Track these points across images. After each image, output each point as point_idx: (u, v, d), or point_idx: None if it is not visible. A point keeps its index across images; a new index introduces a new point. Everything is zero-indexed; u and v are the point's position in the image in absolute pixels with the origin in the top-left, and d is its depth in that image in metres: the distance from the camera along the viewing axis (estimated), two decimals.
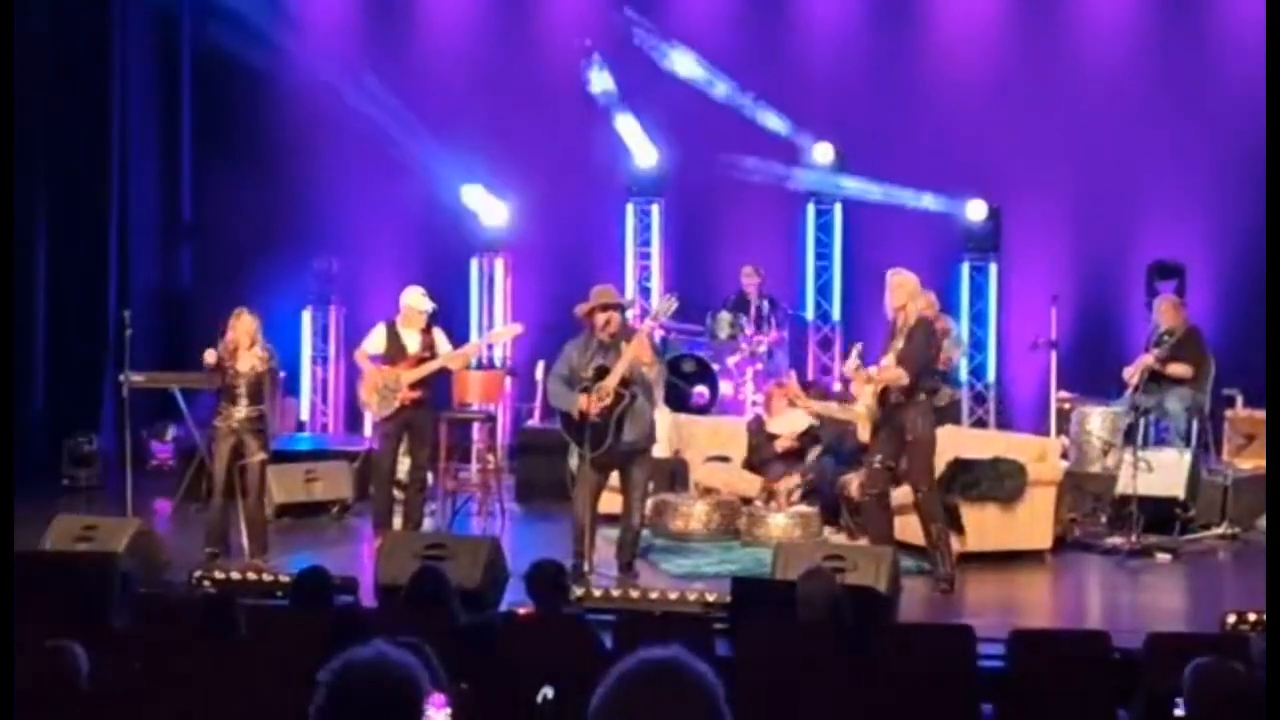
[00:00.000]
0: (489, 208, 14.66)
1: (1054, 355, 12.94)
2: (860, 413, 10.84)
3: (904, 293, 9.76)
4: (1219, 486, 11.69)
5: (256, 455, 10.19)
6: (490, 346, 13.91)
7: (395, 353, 10.85)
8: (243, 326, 10.15)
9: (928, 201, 14.23)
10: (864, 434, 10.35)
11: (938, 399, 10.26)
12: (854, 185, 14.57)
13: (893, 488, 9.84)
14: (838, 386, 12.75)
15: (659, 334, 10.37)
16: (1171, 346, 11.94)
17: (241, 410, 10.12)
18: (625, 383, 9.64)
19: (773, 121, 14.76)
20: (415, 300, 10.94)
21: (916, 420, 9.58)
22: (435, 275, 13.50)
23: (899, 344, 9.61)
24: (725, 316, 13.85)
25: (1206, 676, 4.59)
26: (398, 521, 10.96)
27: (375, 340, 10.97)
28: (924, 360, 9.62)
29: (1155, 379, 11.87)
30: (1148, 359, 11.82)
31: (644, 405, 9.79)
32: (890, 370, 9.56)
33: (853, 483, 10.70)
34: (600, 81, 14.72)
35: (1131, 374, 12.04)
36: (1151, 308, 12.58)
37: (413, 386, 10.75)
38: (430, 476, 12.17)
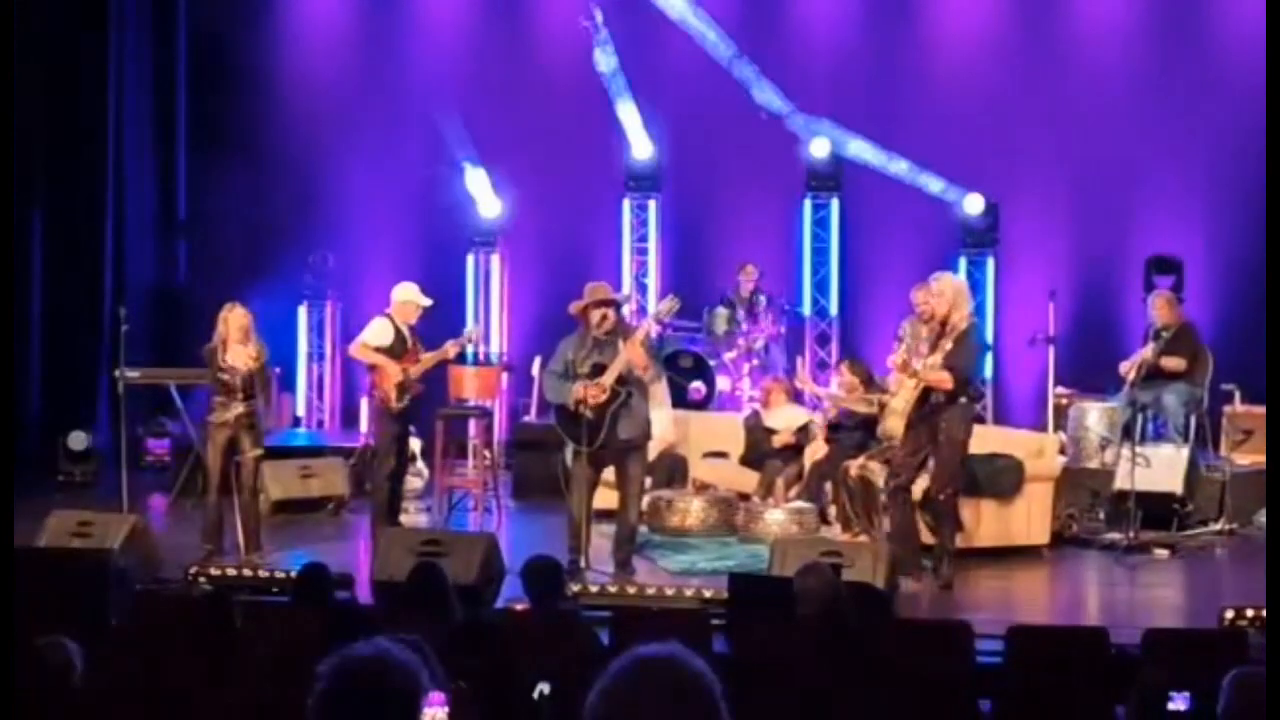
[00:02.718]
0: (487, 197, 14.67)
1: (1052, 351, 12.93)
2: (878, 401, 10.90)
3: (954, 298, 9.74)
4: (1217, 482, 11.69)
5: (251, 451, 10.17)
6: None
7: (399, 347, 10.73)
8: (234, 320, 10.11)
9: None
10: (892, 426, 10.42)
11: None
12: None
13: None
14: (834, 380, 12.72)
15: (656, 329, 10.33)
16: (1167, 342, 11.94)
17: (237, 406, 10.09)
18: (621, 381, 9.64)
19: (771, 116, 14.74)
20: (415, 295, 10.82)
21: (953, 422, 9.59)
22: (431, 270, 13.51)
23: (948, 345, 9.59)
24: (722, 312, 13.83)
25: (1245, 687, 4.52)
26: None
27: (381, 333, 10.77)
28: (972, 367, 9.66)
29: (1152, 374, 11.86)
30: (1145, 353, 11.82)
31: (639, 403, 9.79)
32: (937, 371, 9.54)
33: (852, 467, 10.71)
34: (604, 62, 14.71)
35: (1128, 369, 12.04)
36: (1147, 303, 12.58)
37: (418, 380, 10.77)
38: (426, 471, 12.25)
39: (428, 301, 10.88)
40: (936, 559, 9.77)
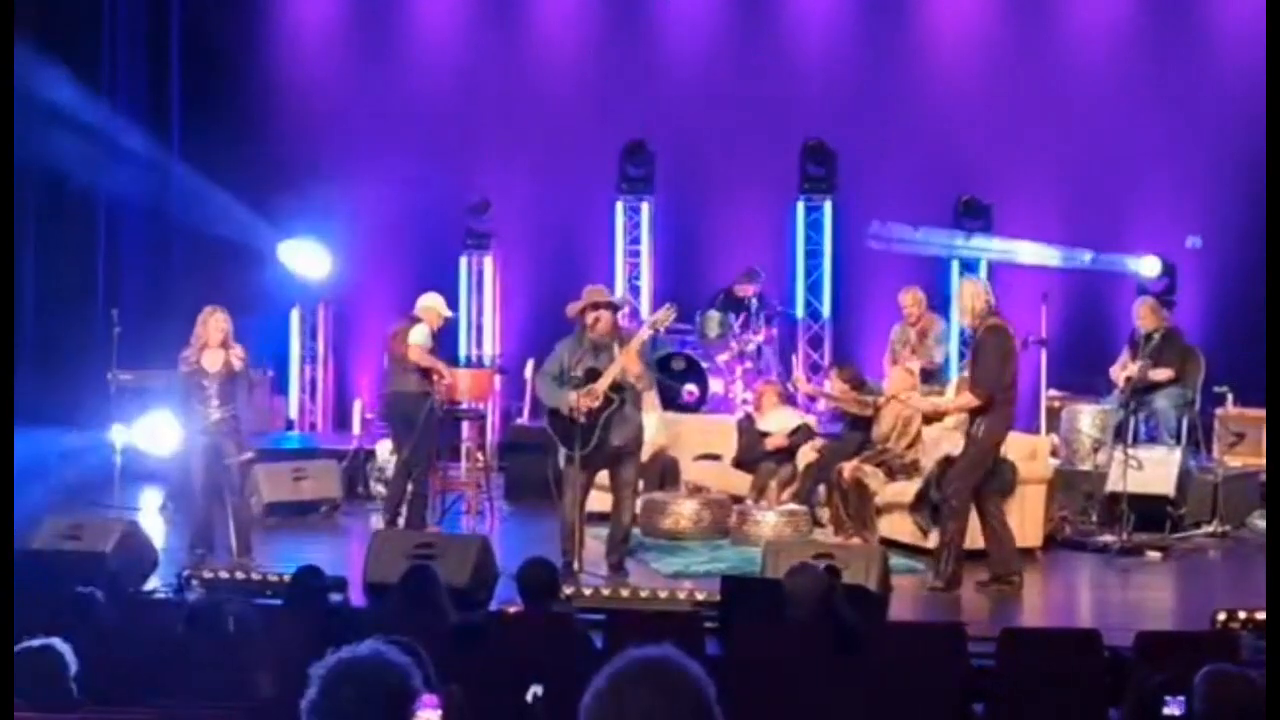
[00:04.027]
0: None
1: (1044, 353, 12.94)
2: (873, 404, 10.97)
3: (966, 303, 9.76)
4: (1209, 484, 11.70)
5: (237, 455, 10.14)
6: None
7: (434, 352, 11.18)
8: (214, 324, 10.08)
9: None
10: (886, 429, 10.48)
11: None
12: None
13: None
14: (827, 384, 12.74)
15: (648, 332, 10.34)
16: (1153, 351, 11.96)
17: (214, 412, 10.05)
18: (615, 387, 9.64)
19: (763, 119, 14.75)
20: (442, 306, 11.35)
21: (981, 426, 9.59)
22: (424, 273, 13.49)
23: (970, 355, 9.73)
24: (715, 315, 13.82)
25: (1217, 684, 4.54)
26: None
27: (429, 338, 11.17)
28: (994, 374, 9.54)
29: (1143, 386, 11.93)
30: (1132, 369, 11.88)
31: (632, 410, 9.81)
32: (959, 400, 9.65)
33: (845, 470, 10.75)
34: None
35: (1118, 374, 12.09)
36: (1132, 309, 12.61)
37: None
38: None
39: (449, 313, 11.52)
40: (936, 558, 9.76)
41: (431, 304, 11.30)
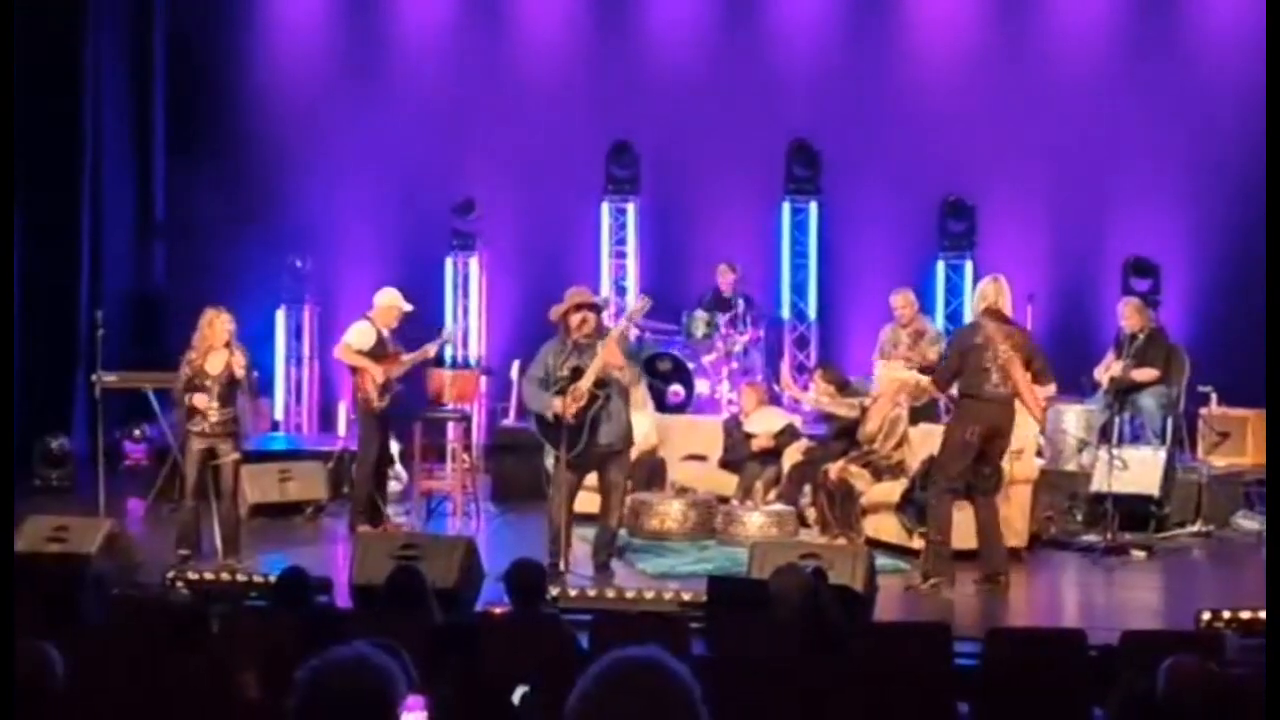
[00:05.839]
0: None
1: None
2: (860, 405, 11.00)
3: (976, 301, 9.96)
4: (1194, 484, 11.74)
5: (229, 456, 10.13)
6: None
7: (380, 349, 11.12)
8: (219, 325, 10.08)
9: None
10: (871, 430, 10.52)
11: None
12: None
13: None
14: (811, 386, 12.74)
15: (634, 333, 10.36)
16: (1137, 351, 11.98)
17: (214, 414, 10.04)
18: (600, 384, 9.64)
19: (748, 120, 14.76)
20: (397, 300, 11.26)
21: (950, 421, 9.83)
22: (410, 274, 13.50)
23: None
24: (701, 315, 13.82)
25: (1180, 675, 4.60)
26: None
27: (365, 337, 11.15)
28: (947, 364, 9.89)
29: (1127, 387, 11.96)
30: (1116, 370, 11.90)
31: (619, 406, 9.79)
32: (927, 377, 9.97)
33: (832, 470, 10.76)
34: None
35: (1101, 374, 12.11)
36: (1117, 310, 12.63)
37: (398, 380, 11.18)
38: (405, 475, 12.33)
39: (409, 306, 11.32)
40: (922, 558, 9.79)
41: (388, 301, 11.27)
